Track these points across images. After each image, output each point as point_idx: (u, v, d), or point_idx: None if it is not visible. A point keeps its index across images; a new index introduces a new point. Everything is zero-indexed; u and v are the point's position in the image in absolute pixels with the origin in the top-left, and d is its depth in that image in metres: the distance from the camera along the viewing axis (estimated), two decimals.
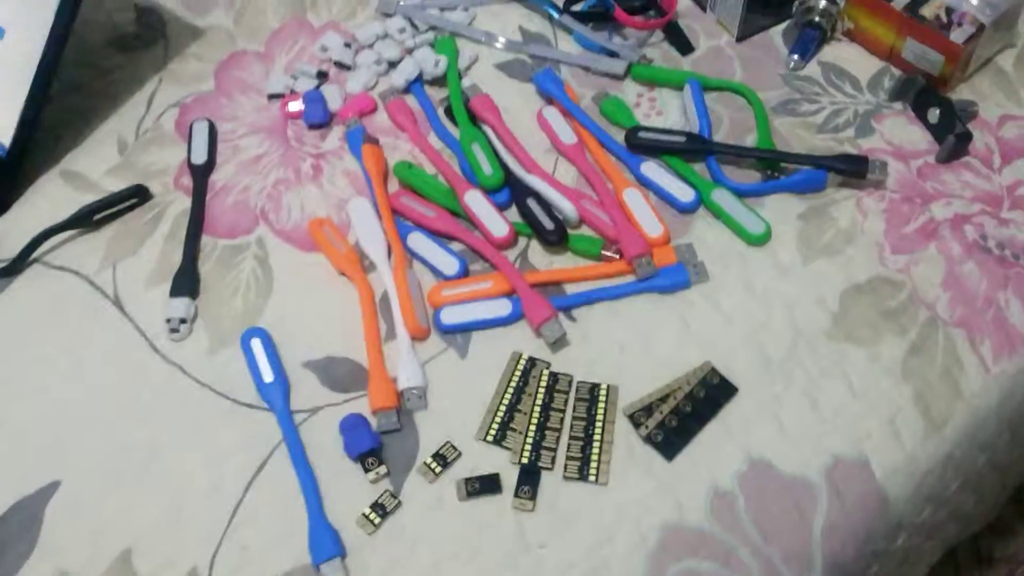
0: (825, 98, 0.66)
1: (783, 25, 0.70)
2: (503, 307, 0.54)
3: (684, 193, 0.59)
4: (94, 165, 0.66)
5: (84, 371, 0.55)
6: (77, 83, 0.72)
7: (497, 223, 0.58)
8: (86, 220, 0.61)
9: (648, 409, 0.51)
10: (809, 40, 0.67)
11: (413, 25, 0.72)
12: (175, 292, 0.57)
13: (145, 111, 0.69)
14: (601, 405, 0.51)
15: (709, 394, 0.51)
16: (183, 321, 0.56)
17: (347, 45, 0.71)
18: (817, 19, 0.67)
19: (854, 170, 0.59)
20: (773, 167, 0.61)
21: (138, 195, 0.61)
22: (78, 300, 0.59)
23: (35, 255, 0.61)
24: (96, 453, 0.52)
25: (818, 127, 0.64)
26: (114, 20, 0.76)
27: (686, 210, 0.59)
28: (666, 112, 0.66)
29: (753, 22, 0.69)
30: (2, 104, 0.63)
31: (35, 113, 0.63)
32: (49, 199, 0.64)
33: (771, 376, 0.52)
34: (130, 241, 0.61)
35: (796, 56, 0.67)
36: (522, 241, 0.59)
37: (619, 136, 0.63)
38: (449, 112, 0.66)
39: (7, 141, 0.63)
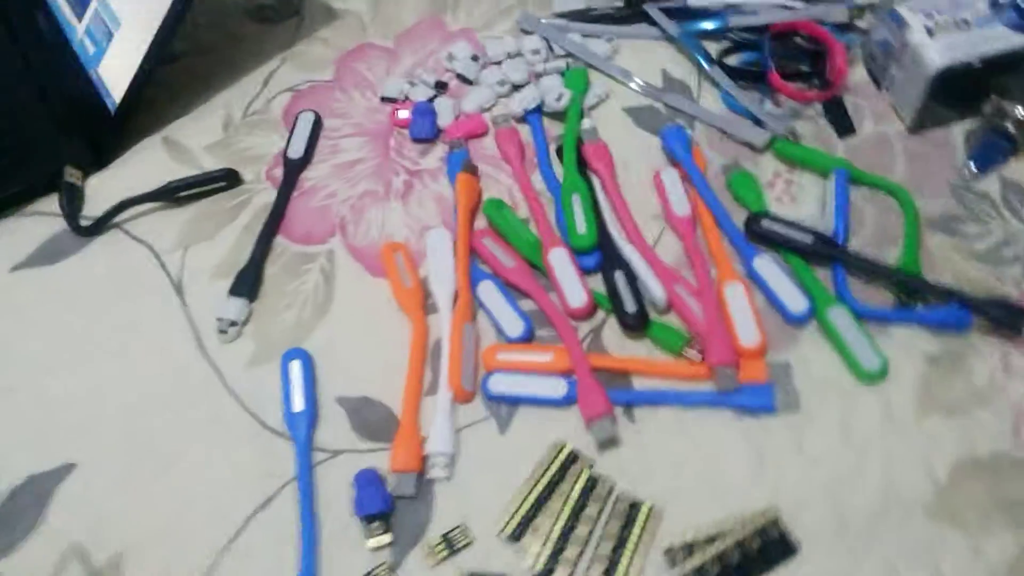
0: (997, 222, 0.57)
1: (967, 124, 0.61)
2: (558, 387, 0.50)
3: (796, 302, 0.53)
4: (196, 137, 0.67)
5: (128, 353, 0.56)
6: (204, 46, 0.73)
7: (576, 291, 0.53)
8: (170, 195, 0.61)
9: (689, 548, 0.46)
10: (995, 149, 0.59)
11: (549, 47, 0.68)
12: (234, 291, 0.56)
13: (260, 90, 0.68)
14: (637, 528, 0.47)
15: (764, 549, 0.45)
16: (234, 324, 0.55)
17: (475, 58, 0.68)
18: (1010, 127, 0.58)
19: (1009, 322, 0.51)
20: (911, 293, 0.53)
21: (227, 179, 0.61)
22: (143, 277, 0.60)
23: (119, 219, 0.63)
24: (118, 443, 0.53)
25: (979, 255, 0.56)
26: None
27: (794, 322, 0.53)
28: (801, 200, 0.59)
29: (933, 113, 0.61)
30: (121, 57, 0.64)
31: (150, 70, 0.63)
32: (146, 163, 0.66)
33: (845, 544, 0.46)
34: (208, 226, 0.62)
35: (974, 165, 0.59)
36: (599, 314, 0.54)
37: (741, 218, 0.57)
38: (561, 152, 0.62)
39: (118, 95, 0.64)
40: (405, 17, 0.73)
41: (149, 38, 0.62)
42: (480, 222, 0.61)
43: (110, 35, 0.64)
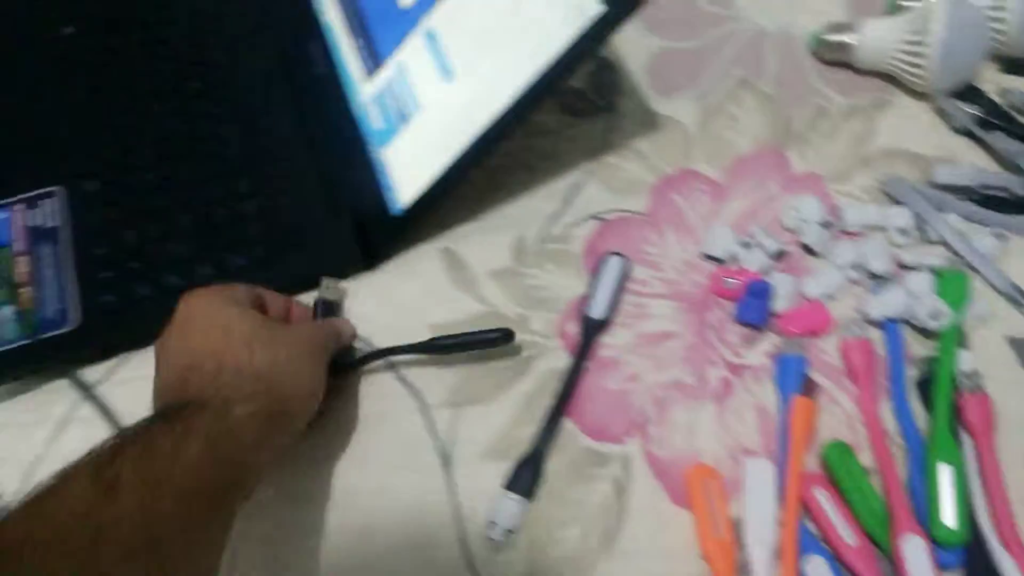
0: None
1: None
2: None
3: None
4: (482, 256, 0.65)
5: (379, 519, 0.55)
6: None
7: None
8: (437, 351, 0.59)
9: None
10: None
11: (918, 227, 0.61)
12: (513, 486, 0.53)
13: (560, 209, 0.65)
14: None
15: None
16: (510, 531, 0.51)
17: (825, 225, 0.61)
18: None
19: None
20: None
21: (502, 341, 0.58)
22: (406, 430, 0.59)
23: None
24: None
25: None
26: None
27: None
28: None
29: None
30: (416, 146, 0.62)
31: (458, 176, 0.61)
32: (420, 277, 0.64)
33: None
34: (483, 385, 0.60)
35: None
36: None
37: None
38: (924, 387, 0.55)
39: (405, 192, 0.62)
40: (739, 142, 0.67)
41: (466, 135, 0.59)
42: (812, 457, 0.56)
43: (404, 117, 0.61)
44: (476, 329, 0.58)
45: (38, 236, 0.63)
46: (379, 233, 0.64)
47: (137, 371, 0.60)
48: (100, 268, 0.61)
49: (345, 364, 0.58)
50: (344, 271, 0.63)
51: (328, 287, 0.61)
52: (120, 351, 0.60)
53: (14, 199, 0.64)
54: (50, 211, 0.64)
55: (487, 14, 0.57)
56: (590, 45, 0.54)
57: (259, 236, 0.63)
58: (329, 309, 0.60)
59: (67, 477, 0.39)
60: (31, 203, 0.64)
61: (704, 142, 0.68)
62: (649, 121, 0.69)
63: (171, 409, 0.42)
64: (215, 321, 0.47)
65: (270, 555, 0.53)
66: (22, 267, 0.61)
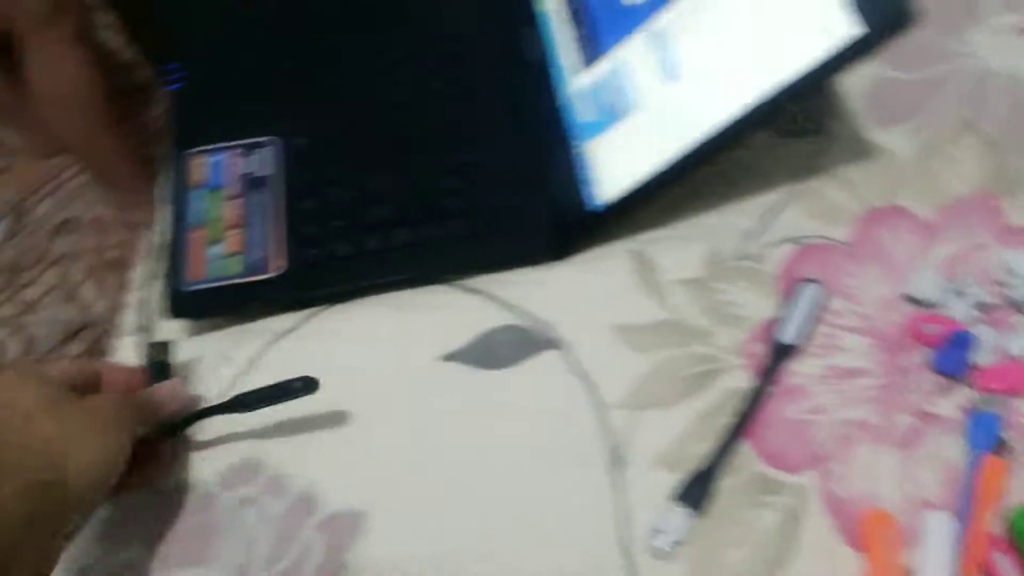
0: None
1: None
2: None
3: None
4: (673, 263, 0.66)
5: (540, 511, 0.58)
6: None
7: None
8: (241, 408, 0.59)
9: None
10: None
11: None
12: (684, 497, 0.54)
13: (757, 227, 0.64)
14: None
15: None
16: (676, 543, 0.52)
17: None
18: None
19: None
20: None
21: (305, 391, 0.58)
22: (576, 420, 0.61)
23: (567, 333, 0.64)
24: None
25: None
26: None
27: None
28: None
29: None
30: (626, 145, 0.63)
31: (666, 182, 0.62)
32: (605, 275, 0.66)
33: None
34: (667, 389, 0.61)
35: None
36: None
37: None
38: None
39: (608, 189, 0.64)
40: (954, 184, 0.66)
41: (680, 143, 0.60)
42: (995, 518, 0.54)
43: (616, 114, 0.62)
44: (282, 380, 0.57)
45: (251, 183, 0.66)
46: (573, 226, 0.66)
47: (325, 326, 0.65)
48: (306, 222, 0.65)
49: (166, 430, 0.57)
50: (534, 259, 0.66)
51: (157, 348, 0.59)
52: (314, 304, 0.64)
53: (232, 144, 0.68)
54: (265, 160, 0.67)
55: (725, 22, 0.58)
56: (835, 69, 0.54)
57: (458, 211, 0.65)
58: (161, 371, 0.59)
59: None
60: (247, 150, 0.68)
61: (917, 179, 0.67)
62: (860, 150, 0.68)
63: None
64: (3, 397, 0.46)
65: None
66: (233, 210, 0.65)
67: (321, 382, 0.57)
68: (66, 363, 0.52)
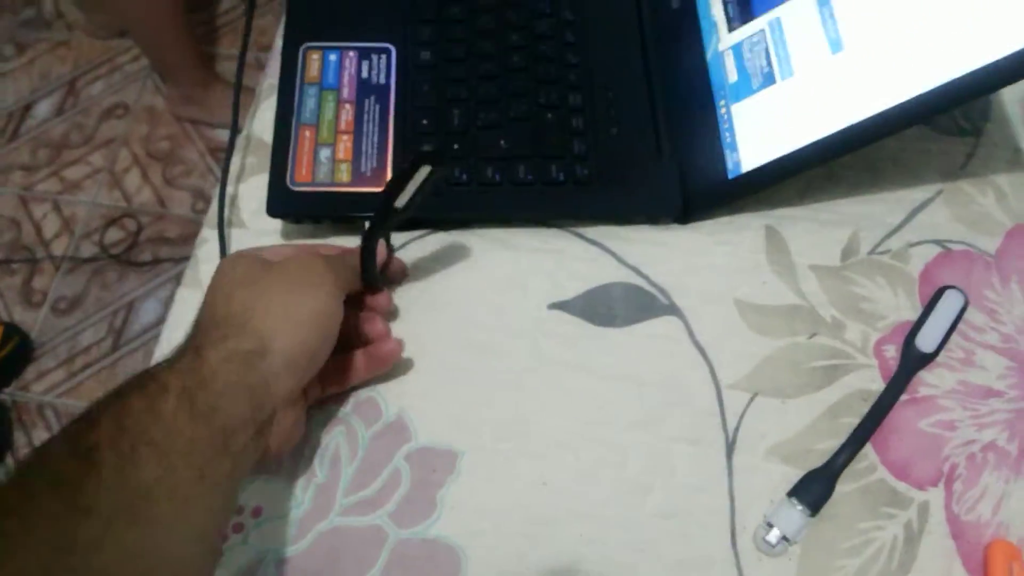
0: None
1: None
2: None
3: None
4: (808, 246, 0.61)
5: (651, 484, 0.54)
6: None
7: None
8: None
9: None
10: None
11: None
12: (801, 495, 0.50)
13: (901, 223, 0.59)
14: None
15: None
16: (786, 540, 0.48)
17: None
18: None
19: None
20: None
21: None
22: (695, 402, 0.56)
23: (685, 298, 0.59)
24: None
25: None
26: None
27: None
28: None
29: None
30: (776, 110, 0.58)
31: (814, 160, 0.56)
32: (736, 247, 0.62)
33: None
34: (782, 380, 0.57)
35: None
36: None
37: None
38: None
39: (748, 157, 0.58)
40: None
41: (838, 119, 0.54)
42: None
43: (769, 78, 0.56)
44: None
45: (366, 89, 0.61)
46: (704, 190, 0.60)
47: (431, 251, 0.60)
48: (421, 139, 0.59)
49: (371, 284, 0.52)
50: (658, 218, 0.61)
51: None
52: (423, 227, 0.59)
53: (349, 44, 0.62)
54: (382, 67, 0.62)
55: None
56: (1019, 73, 0.48)
57: (582, 154, 0.60)
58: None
59: (45, 450, 0.37)
60: (364, 54, 0.62)
61: None
62: (1015, 159, 0.63)
63: (147, 371, 0.40)
64: (219, 277, 0.46)
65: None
66: (346, 115, 0.60)
67: (420, 306, 0.55)
68: (284, 247, 0.50)
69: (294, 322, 0.44)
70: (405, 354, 0.56)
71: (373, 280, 0.52)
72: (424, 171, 0.47)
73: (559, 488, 0.52)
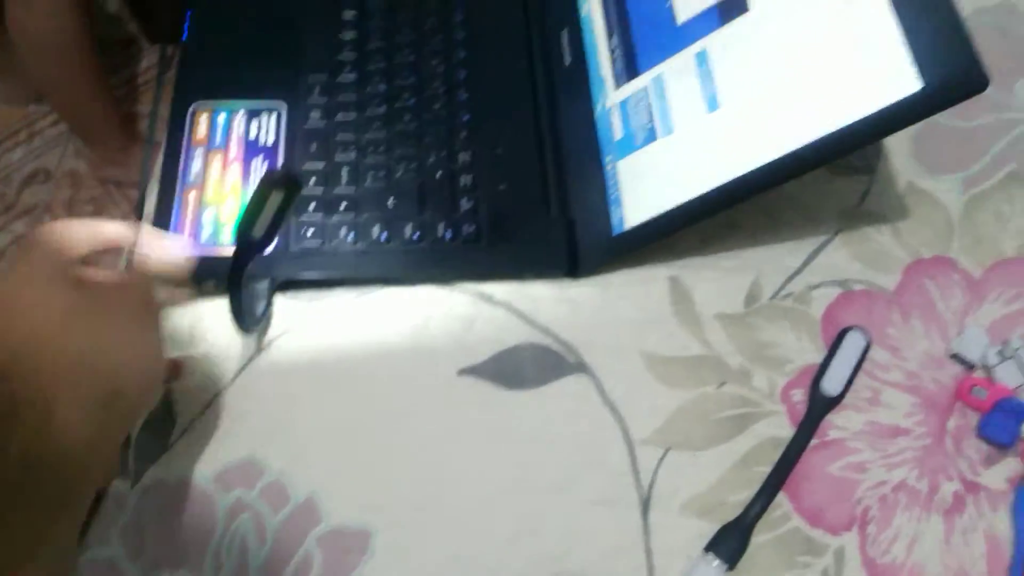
0: None
1: None
2: None
3: None
4: (711, 295, 0.60)
5: (569, 551, 0.52)
6: None
7: None
8: None
9: None
10: None
11: None
12: (717, 549, 0.49)
13: (800, 267, 0.59)
14: None
15: None
16: None
17: None
18: None
19: None
20: None
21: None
22: (608, 461, 0.55)
23: (592, 344, 0.58)
24: None
25: None
26: None
27: None
28: None
29: None
30: (657, 169, 0.57)
31: (698, 215, 0.55)
32: (638, 298, 0.60)
33: None
34: (697, 431, 0.56)
35: None
36: None
37: None
38: None
39: (632, 214, 0.58)
40: (1004, 240, 0.62)
41: (717, 175, 0.53)
42: None
43: (651, 135, 0.55)
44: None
45: (254, 149, 0.61)
46: (592, 245, 0.59)
47: (330, 316, 0.58)
48: (306, 202, 0.59)
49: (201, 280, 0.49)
50: (548, 272, 0.60)
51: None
52: (308, 288, 0.58)
53: (239, 101, 0.63)
54: (271, 127, 0.61)
55: (778, 55, 0.51)
56: (895, 124, 0.47)
57: (469, 212, 0.60)
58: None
59: None
60: (253, 114, 0.61)
61: (965, 231, 0.61)
62: (909, 195, 0.63)
63: None
64: (35, 296, 0.38)
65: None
66: (232, 175, 0.58)
67: (324, 380, 0.53)
68: (76, 231, 0.43)
69: (142, 360, 0.41)
70: (311, 430, 0.53)
71: (244, 322, 0.49)
72: (277, 197, 0.45)
73: (477, 561, 0.50)
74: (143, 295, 0.44)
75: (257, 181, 0.46)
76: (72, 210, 1.64)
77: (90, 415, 0.36)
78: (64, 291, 0.39)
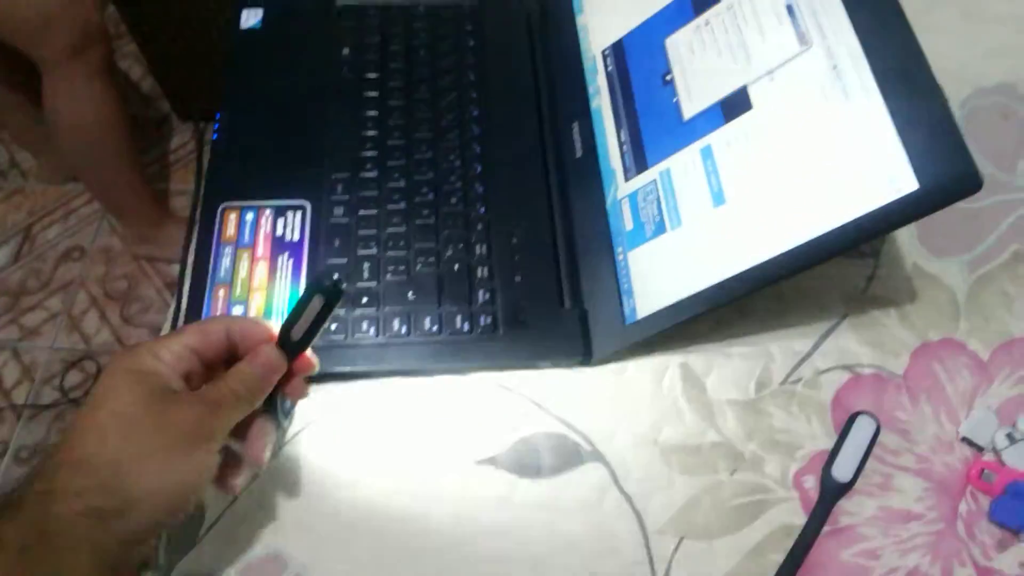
0: None
1: None
2: None
3: None
4: (721, 381, 0.62)
5: None
6: None
7: None
8: None
9: None
10: None
11: None
12: None
13: (810, 351, 0.60)
14: None
15: None
16: None
17: None
18: None
19: None
20: None
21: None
22: (625, 553, 0.55)
23: (605, 445, 0.59)
24: None
25: None
26: None
27: None
28: None
29: None
30: (673, 270, 0.58)
31: (707, 307, 0.56)
32: (652, 386, 0.62)
33: None
34: (712, 520, 0.57)
35: None
36: None
37: None
38: None
39: (643, 305, 0.59)
40: (1010, 322, 0.63)
41: (725, 268, 0.54)
42: None
43: (660, 227, 0.57)
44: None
45: (280, 246, 0.63)
46: (606, 334, 0.60)
47: (353, 409, 0.60)
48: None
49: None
50: (562, 362, 0.61)
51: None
52: (327, 380, 0.59)
53: (265, 203, 0.65)
54: (297, 224, 0.63)
55: (781, 153, 0.53)
56: (894, 222, 0.49)
57: (485, 303, 0.62)
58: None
59: None
60: (279, 212, 0.63)
61: (972, 313, 0.62)
62: (915, 278, 0.64)
63: None
64: (100, 398, 0.41)
65: None
66: (260, 272, 0.60)
67: (344, 474, 0.54)
68: (189, 337, 0.45)
69: (168, 490, 0.41)
70: (333, 524, 0.55)
71: (277, 418, 0.51)
72: (317, 302, 0.46)
73: None
74: (198, 428, 0.43)
75: (300, 283, 0.48)
76: (106, 287, 1.68)
77: (88, 522, 0.38)
78: (127, 399, 0.41)
